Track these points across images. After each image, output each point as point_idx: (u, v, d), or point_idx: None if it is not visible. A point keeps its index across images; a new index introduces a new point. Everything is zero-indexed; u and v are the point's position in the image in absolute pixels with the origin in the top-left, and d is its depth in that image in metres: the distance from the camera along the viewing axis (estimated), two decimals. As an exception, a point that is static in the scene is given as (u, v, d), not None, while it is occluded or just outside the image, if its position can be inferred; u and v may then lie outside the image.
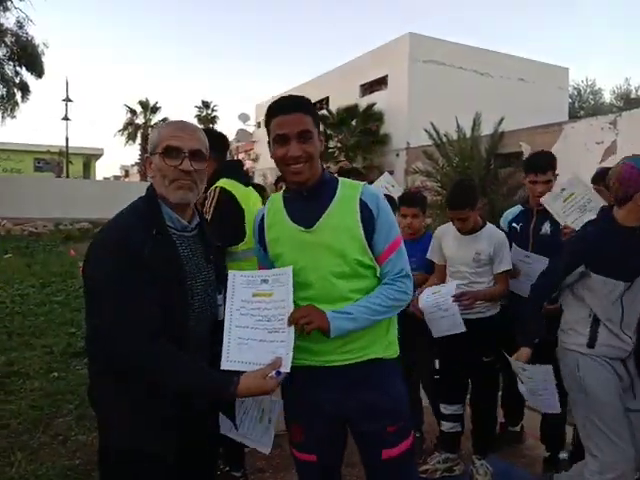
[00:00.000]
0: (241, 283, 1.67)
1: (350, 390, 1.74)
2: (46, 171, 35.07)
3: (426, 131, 14.87)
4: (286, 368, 1.54)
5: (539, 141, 13.46)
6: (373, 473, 1.86)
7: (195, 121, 45.58)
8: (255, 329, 1.61)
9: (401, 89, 20.67)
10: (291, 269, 1.66)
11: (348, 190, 1.78)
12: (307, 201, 1.77)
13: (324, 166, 1.86)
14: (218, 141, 2.84)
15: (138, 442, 1.55)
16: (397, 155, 20.50)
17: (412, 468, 1.93)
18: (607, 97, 39.29)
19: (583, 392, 2.30)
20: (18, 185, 21.75)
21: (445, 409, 3.06)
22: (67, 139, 28.82)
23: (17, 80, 21.95)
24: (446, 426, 3.06)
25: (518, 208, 3.13)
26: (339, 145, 21.13)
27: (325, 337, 1.66)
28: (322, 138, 1.80)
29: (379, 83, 22.40)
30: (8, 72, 21.70)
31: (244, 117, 31.36)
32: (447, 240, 3.01)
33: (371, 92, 22.70)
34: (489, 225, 3.00)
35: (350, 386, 1.74)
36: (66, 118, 28.67)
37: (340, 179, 1.84)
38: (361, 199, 1.75)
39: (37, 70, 21.60)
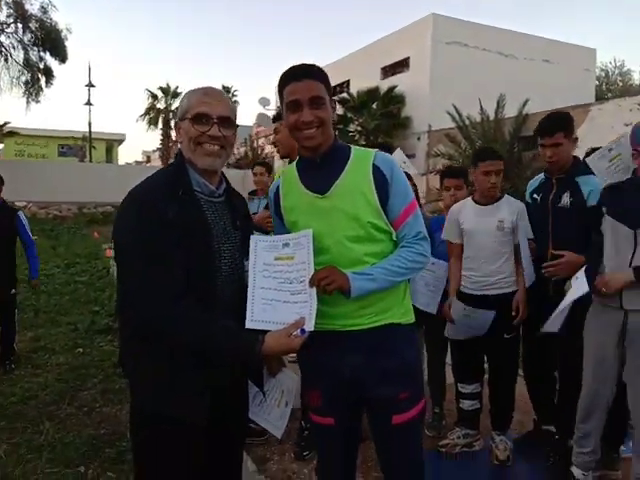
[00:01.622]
0: (263, 247, 1.69)
1: (366, 355, 1.75)
2: (69, 156, 35.56)
3: (449, 113, 14.66)
4: (310, 327, 1.55)
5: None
6: (381, 438, 1.87)
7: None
8: (278, 291, 1.63)
9: (423, 71, 20.36)
10: (311, 232, 1.68)
11: (361, 156, 1.80)
12: (320, 168, 1.78)
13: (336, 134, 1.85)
14: None
15: (162, 406, 1.56)
16: (418, 138, 20.26)
17: (419, 434, 1.94)
18: (636, 78, 38.15)
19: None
20: (43, 170, 22.08)
21: (463, 388, 3.06)
22: (90, 124, 29.12)
23: (41, 65, 22.22)
24: (465, 404, 3.05)
25: (540, 177, 2.99)
26: (359, 129, 20.95)
27: (343, 301, 1.68)
28: (334, 105, 1.81)
29: (401, 65, 22.08)
30: (32, 57, 21.99)
31: (264, 101, 31.17)
32: (466, 214, 2.97)
33: (393, 74, 22.40)
34: (507, 195, 2.99)
35: (367, 351, 1.75)
36: (89, 103, 28.95)
37: (353, 147, 1.83)
38: (374, 164, 1.76)
39: (60, 55, 21.82)
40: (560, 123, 2.76)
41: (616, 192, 2.46)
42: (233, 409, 1.76)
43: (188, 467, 1.63)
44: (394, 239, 1.79)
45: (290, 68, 1.76)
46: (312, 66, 1.76)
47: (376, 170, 1.75)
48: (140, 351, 1.57)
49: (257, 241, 1.71)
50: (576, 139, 2.81)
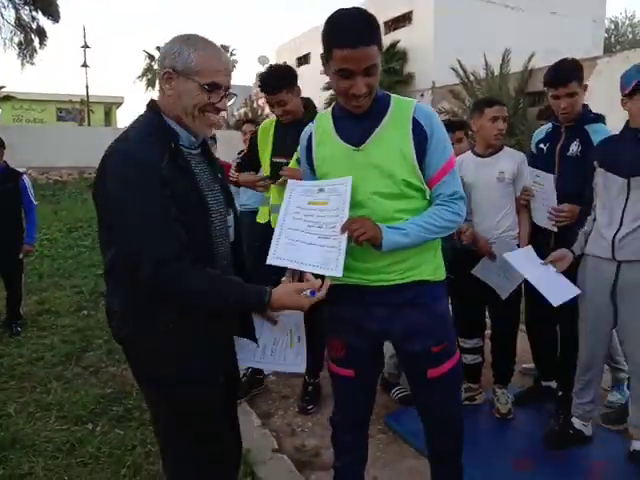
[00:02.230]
0: (299, 192, 1.70)
1: (397, 310, 1.74)
2: (68, 120, 35.13)
3: (453, 69, 14.32)
4: (338, 272, 1.54)
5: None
6: (418, 391, 1.91)
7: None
8: (306, 233, 1.62)
9: (426, 25, 19.78)
10: (350, 179, 1.64)
11: (401, 108, 1.71)
12: (357, 119, 1.70)
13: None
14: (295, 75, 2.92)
15: (176, 367, 1.53)
16: (422, 95, 19.86)
17: (457, 387, 1.98)
18: (647, 30, 37.04)
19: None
20: (42, 135, 21.83)
21: (465, 343, 3.07)
22: (87, 87, 28.60)
23: (34, 25, 21.71)
24: (467, 358, 3.07)
25: (547, 126, 2.90)
26: (361, 87, 20.56)
27: (374, 256, 1.67)
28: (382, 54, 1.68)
29: (404, 19, 21.44)
30: (24, 17, 21.47)
31: (263, 60, 30.54)
32: (466, 167, 2.89)
33: (395, 29, 21.78)
34: (505, 147, 2.94)
35: (397, 306, 1.74)
36: (85, 65, 28.40)
37: (393, 96, 1.76)
38: (414, 117, 1.68)
39: (53, 14, 21.28)
40: (573, 72, 2.65)
41: (608, 143, 2.44)
42: (230, 361, 1.78)
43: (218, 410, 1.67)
44: (427, 197, 1.74)
45: (344, 24, 1.60)
46: (369, 26, 1.59)
47: (415, 124, 1.68)
48: (144, 312, 1.50)
49: (294, 185, 1.72)
50: (586, 86, 2.72)
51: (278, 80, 2.85)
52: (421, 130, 1.68)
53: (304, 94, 3.01)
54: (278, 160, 2.93)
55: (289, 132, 2.90)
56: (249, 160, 3.15)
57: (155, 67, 37.72)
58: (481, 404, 3.06)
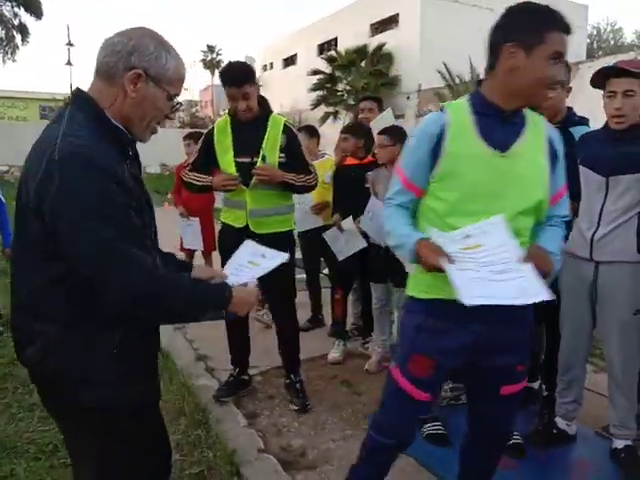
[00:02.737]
0: (442, 244, 1.59)
1: (491, 327, 1.68)
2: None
3: (439, 72, 14.44)
4: (547, 295, 1.46)
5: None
6: (485, 406, 1.86)
7: (200, 65, 44.72)
8: (478, 272, 1.53)
9: (413, 28, 19.91)
10: (501, 219, 1.56)
11: (535, 121, 1.70)
12: (502, 122, 1.64)
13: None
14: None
15: (117, 397, 1.38)
16: (408, 98, 19.99)
17: (517, 406, 1.94)
18: (629, 37, 37.76)
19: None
20: (25, 132, 21.43)
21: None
22: (71, 85, 28.29)
23: (16, 22, 21.45)
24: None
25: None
26: (348, 88, 20.60)
27: None
28: None
29: (390, 22, 21.56)
30: (6, 13, 21.23)
31: (250, 60, 30.47)
32: None
33: (382, 31, 21.89)
34: None
35: (492, 322, 1.67)
36: (69, 63, 28.08)
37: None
38: (549, 135, 1.69)
39: (36, 11, 21.07)
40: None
41: (588, 141, 2.47)
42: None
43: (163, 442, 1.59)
44: (539, 217, 1.71)
45: (552, 10, 1.57)
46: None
47: (550, 141, 1.68)
48: (91, 336, 1.33)
49: (436, 238, 1.62)
50: (570, 89, 2.75)
51: (244, 73, 2.84)
52: (553, 149, 1.68)
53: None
54: (242, 160, 2.90)
55: (247, 130, 2.90)
56: (204, 160, 3.02)
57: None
58: (466, 403, 3.07)
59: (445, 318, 1.69)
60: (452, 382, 3.08)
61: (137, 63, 1.33)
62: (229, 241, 2.97)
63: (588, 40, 29.39)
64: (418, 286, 1.79)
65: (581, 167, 2.45)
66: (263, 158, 2.89)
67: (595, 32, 36.94)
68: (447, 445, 2.70)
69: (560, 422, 2.69)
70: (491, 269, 1.53)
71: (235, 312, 1.46)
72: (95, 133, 1.30)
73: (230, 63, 2.93)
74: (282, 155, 2.94)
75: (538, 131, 1.68)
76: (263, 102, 2.99)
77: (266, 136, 2.91)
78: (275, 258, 1.75)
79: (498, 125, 1.63)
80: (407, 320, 1.83)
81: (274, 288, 3.13)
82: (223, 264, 3.17)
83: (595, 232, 2.38)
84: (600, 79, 2.38)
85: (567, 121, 2.72)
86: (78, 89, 1.40)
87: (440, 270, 1.54)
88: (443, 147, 1.64)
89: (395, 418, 1.84)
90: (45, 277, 1.31)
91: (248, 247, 1.84)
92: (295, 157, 2.99)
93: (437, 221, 1.68)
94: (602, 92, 2.40)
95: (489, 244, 1.54)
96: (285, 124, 2.99)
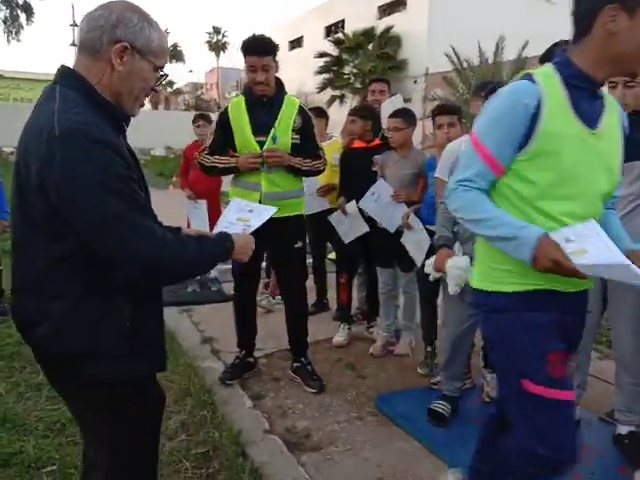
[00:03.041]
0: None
1: (582, 314, 1.72)
2: (57, 100, 34.60)
3: (447, 56, 14.25)
4: None
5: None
6: None
7: (205, 47, 44.38)
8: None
9: (421, 11, 19.65)
10: (594, 224, 1.47)
11: (606, 95, 1.63)
12: (591, 95, 1.54)
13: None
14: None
15: (127, 367, 1.41)
16: (415, 82, 19.79)
17: None
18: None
19: None
20: (29, 114, 21.57)
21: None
22: (76, 66, 28.18)
23: (20, 1, 21.27)
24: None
25: None
26: (355, 71, 20.41)
27: None
28: None
29: (398, 4, 21.27)
30: (11, -7, 21.01)
31: (256, 42, 30.28)
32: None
33: (389, 14, 21.61)
34: None
35: (583, 310, 1.72)
36: (74, 44, 27.91)
37: None
38: (619, 110, 1.63)
39: (41, -10, 20.84)
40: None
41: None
42: None
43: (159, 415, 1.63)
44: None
45: None
46: None
47: (622, 118, 1.64)
48: (97, 316, 1.34)
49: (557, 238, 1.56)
50: None
51: (267, 45, 2.84)
52: (623, 127, 1.63)
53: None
54: (259, 139, 2.89)
55: (263, 109, 2.89)
56: (222, 143, 3.00)
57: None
58: (470, 388, 3.09)
59: (550, 308, 1.58)
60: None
61: (122, 36, 1.32)
62: None
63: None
64: (504, 279, 1.61)
65: None
66: (274, 138, 2.88)
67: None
68: (445, 426, 2.74)
69: None
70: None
71: (240, 259, 1.58)
72: (90, 110, 1.30)
73: (254, 34, 2.92)
74: (296, 137, 2.93)
75: (613, 106, 1.60)
76: (279, 83, 2.98)
77: (279, 116, 2.90)
78: (263, 212, 1.83)
79: (587, 99, 1.53)
80: (514, 321, 1.59)
81: (287, 271, 3.16)
82: None
83: None
84: None
85: None
86: (64, 66, 1.39)
87: (571, 274, 1.43)
88: (539, 123, 1.48)
89: (561, 434, 1.57)
90: (49, 256, 1.31)
91: (235, 204, 1.89)
92: (307, 140, 2.98)
93: (522, 206, 1.54)
94: None
95: (592, 251, 1.43)
96: (300, 105, 2.99)
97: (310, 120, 3.02)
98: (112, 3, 1.36)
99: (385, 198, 3.39)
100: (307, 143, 2.98)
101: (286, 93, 3.02)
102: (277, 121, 2.89)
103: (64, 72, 1.37)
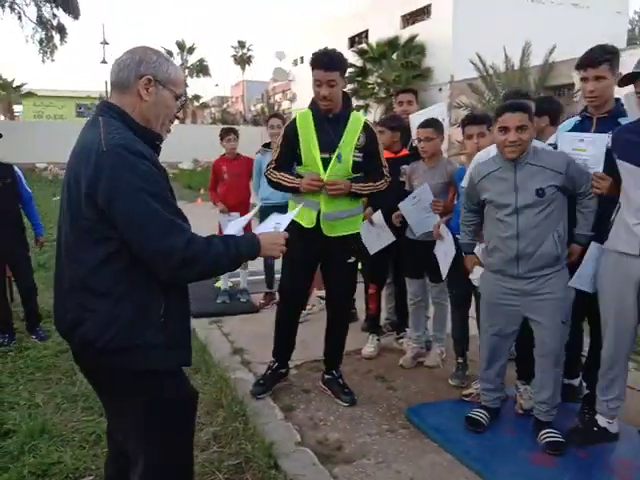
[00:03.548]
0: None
1: None
2: (87, 116, 35.47)
3: (472, 62, 14.18)
4: None
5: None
6: None
7: (231, 61, 45.10)
8: None
9: (445, 19, 19.58)
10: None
11: None
12: None
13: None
14: None
15: (165, 361, 1.58)
16: (440, 90, 19.69)
17: None
18: (671, 22, 36.21)
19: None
20: (62, 130, 22.05)
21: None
22: (106, 83, 28.88)
23: (54, 22, 22.01)
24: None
25: (575, 119, 2.83)
26: (379, 80, 20.43)
27: None
28: None
29: (422, 13, 21.26)
30: (45, 14, 21.76)
31: (280, 55, 30.64)
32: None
33: (413, 23, 21.61)
34: None
35: None
36: (104, 61, 28.67)
37: None
38: None
39: (73, 11, 21.50)
40: (606, 55, 2.58)
41: (624, 135, 2.40)
42: None
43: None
44: None
45: None
46: None
47: None
48: (139, 311, 1.51)
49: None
50: (619, 74, 2.63)
51: (334, 60, 2.82)
52: None
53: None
54: (324, 156, 2.88)
55: (330, 125, 2.89)
56: (288, 157, 3.00)
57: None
58: (503, 400, 3.03)
59: None
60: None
61: (145, 71, 1.57)
62: (296, 241, 2.99)
63: (629, 26, 28.34)
64: None
65: (620, 161, 2.39)
66: (338, 156, 2.87)
67: (637, 17, 35.61)
68: (482, 433, 2.73)
69: (601, 420, 2.63)
70: None
71: (271, 256, 1.71)
72: (130, 133, 1.54)
73: (325, 49, 2.92)
74: (359, 155, 2.92)
75: None
76: (346, 100, 2.99)
77: (345, 133, 2.89)
78: (289, 215, 1.94)
79: None
80: None
81: (337, 283, 3.15)
82: (285, 260, 3.18)
83: None
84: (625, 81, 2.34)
85: (616, 112, 2.63)
86: (104, 101, 1.65)
87: None
88: None
89: None
90: (95, 258, 1.49)
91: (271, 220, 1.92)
92: (372, 157, 2.97)
93: None
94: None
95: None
96: (365, 122, 2.98)
97: (375, 138, 3.00)
98: (135, 48, 1.63)
99: (424, 203, 3.37)
100: (371, 161, 2.97)
101: (353, 109, 3.02)
102: (342, 139, 2.88)
103: (105, 105, 1.61)
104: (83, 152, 1.51)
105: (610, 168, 2.47)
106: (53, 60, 22.95)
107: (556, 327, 2.57)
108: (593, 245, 2.57)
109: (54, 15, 21.92)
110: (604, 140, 2.51)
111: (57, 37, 22.45)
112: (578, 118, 2.80)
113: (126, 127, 1.54)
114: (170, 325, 1.55)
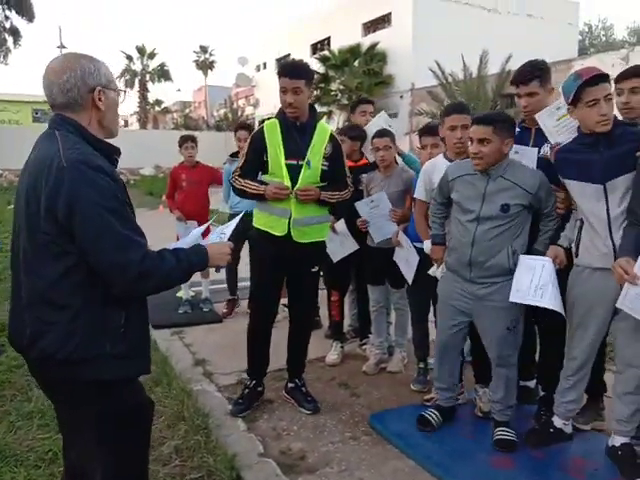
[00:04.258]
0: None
1: None
2: (44, 122, 34.49)
3: (431, 70, 14.46)
4: None
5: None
6: None
7: (193, 66, 44.57)
8: None
9: (405, 27, 19.94)
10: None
11: None
12: None
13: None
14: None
15: (124, 370, 1.60)
16: (401, 97, 20.02)
17: None
18: (620, 34, 37.95)
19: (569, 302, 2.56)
20: (18, 136, 21.42)
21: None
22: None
23: (7, 25, 21.38)
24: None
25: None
26: (341, 87, 20.61)
27: None
28: None
29: (382, 21, 21.59)
30: (-2, 17, 21.07)
31: (243, 60, 30.51)
32: (438, 172, 2.90)
33: (374, 31, 21.92)
34: None
35: None
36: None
37: None
38: None
39: (27, 14, 20.98)
40: (535, 72, 2.70)
41: (568, 155, 2.47)
42: None
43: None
44: None
45: None
46: None
47: None
48: (101, 324, 1.53)
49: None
50: (552, 89, 2.76)
51: (300, 69, 2.91)
52: None
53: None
54: (290, 162, 2.91)
55: (296, 133, 2.94)
56: (254, 164, 3.01)
57: (133, 68, 37.26)
58: (463, 403, 3.10)
59: None
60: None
61: (93, 83, 1.58)
62: (266, 249, 3.03)
63: (580, 37, 29.49)
64: None
65: (570, 182, 2.46)
66: (308, 163, 2.91)
67: (587, 29, 37.08)
68: (430, 431, 2.82)
69: (557, 421, 2.70)
70: None
71: (218, 265, 1.76)
72: (89, 147, 1.56)
73: (292, 59, 3.06)
74: (325, 163, 2.96)
75: None
76: (313, 111, 3.05)
77: (313, 141, 2.94)
78: (232, 224, 1.95)
79: None
80: None
81: (299, 292, 3.17)
82: (255, 270, 3.25)
83: (612, 239, 2.36)
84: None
85: None
86: (59, 114, 1.59)
87: None
88: None
89: None
90: (55, 271, 1.50)
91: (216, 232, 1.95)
92: (337, 167, 3.02)
93: None
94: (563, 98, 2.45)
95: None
96: (331, 133, 3.04)
97: (340, 148, 3.06)
98: (63, 63, 1.58)
99: (382, 210, 3.43)
100: (336, 170, 3.01)
101: (319, 120, 3.07)
102: (310, 147, 2.92)
103: (60, 119, 1.59)
104: (41, 166, 1.51)
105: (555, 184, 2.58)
106: (7, 64, 22.39)
107: (500, 333, 2.63)
108: (545, 261, 2.52)
109: (6, 17, 21.34)
110: (535, 152, 2.67)
111: (10, 40, 21.85)
112: (517, 129, 2.86)
113: (84, 142, 1.55)
114: (130, 335, 1.57)
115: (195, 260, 1.66)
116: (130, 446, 1.66)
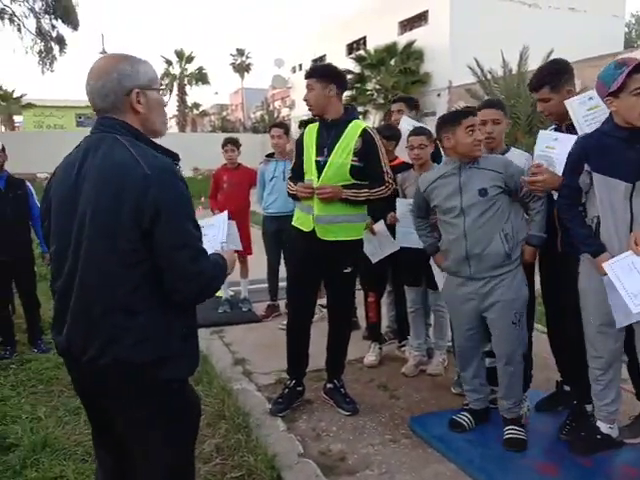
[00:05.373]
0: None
1: None
2: (87, 126, 35.59)
3: (469, 68, 14.20)
4: None
5: (590, 74, 12.61)
6: None
7: (230, 69, 45.25)
8: None
9: (442, 24, 19.66)
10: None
11: None
12: None
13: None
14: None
15: (180, 371, 1.65)
16: (438, 95, 19.75)
17: None
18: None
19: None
20: (62, 140, 22.16)
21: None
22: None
23: (54, 34, 22.18)
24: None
25: (552, 126, 2.88)
26: (377, 87, 20.50)
27: None
28: None
29: (419, 19, 21.36)
30: (45, 26, 21.93)
31: (279, 62, 30.72)
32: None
33: (411, 29, 21.71)
34: (512, 148, 3.08)
35: None
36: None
37: None
38: None
39: (72, 22, 21.70)
40: (545, 78, 2.69)
41: (600, 146, 2.37)
42: None
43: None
44: None
45: None
46: None
47: None
48: (169, 325, 1.58)
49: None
50: (569, 91, 2.66)
51: (315, 68, 3.11)
52: None
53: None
54: (319, 159, 2.99)
55: (329, 131, 3.00)
56: (299, 164, 3.15)
57: (172, 72, 37.99)
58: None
59: None
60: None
61: (130, 85, 1.56)
62: (297, 244, 3.15)
63: (626, 29, 28.43)
64: None
65: (599, 175, 2.35)
66: (328, 159, 2.97)
67: (634, 21, 35.73)
68: (462, 432, 2.80)
69: (603, 426, 2.59)
70: None
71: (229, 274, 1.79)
72: (159, 154, 1.57)
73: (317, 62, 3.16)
74: (355, 159, 2.93)
75: None
76: (350, 109, 3.11)
77: (342, 138, 2.96)
78: (222, 226, 2.02)
79: None
80: None
81: (335, 293, 3.18)
82: (289, 266, 3.36)
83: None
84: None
85: None
86: (114, 118, 1.57)
87: None
88: None
89: None
90: (134, 279, 1.51)
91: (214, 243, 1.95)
92: (370, 163, 2.97)
93: None
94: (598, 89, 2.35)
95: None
96: (365, 128, 3.00)
97: (374, 143, 2.98)
98: (100, 67, 1.57)
99: (405, 216, 3.42)
100: (370, 167, 2.97)
101: (355, 118, 3.07)
102: (338, 144, 2.94)
103: (117, 124, 1.56)
104: (114, 175, 1.48)
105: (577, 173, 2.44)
106: (53, 71, 23.13)
107: (507, 329, 2.65)
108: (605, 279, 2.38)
109: (53, 26, 22.15)
110: (572, 140, 2.55)
111: (56, 48, 22.63)
112: (553, 127, 2.86)
113: (148, 147, 1.56)
114: (189, 336, 1.65)
115: (224, 267, 1.71)
116: (185, 442, 1.71)
